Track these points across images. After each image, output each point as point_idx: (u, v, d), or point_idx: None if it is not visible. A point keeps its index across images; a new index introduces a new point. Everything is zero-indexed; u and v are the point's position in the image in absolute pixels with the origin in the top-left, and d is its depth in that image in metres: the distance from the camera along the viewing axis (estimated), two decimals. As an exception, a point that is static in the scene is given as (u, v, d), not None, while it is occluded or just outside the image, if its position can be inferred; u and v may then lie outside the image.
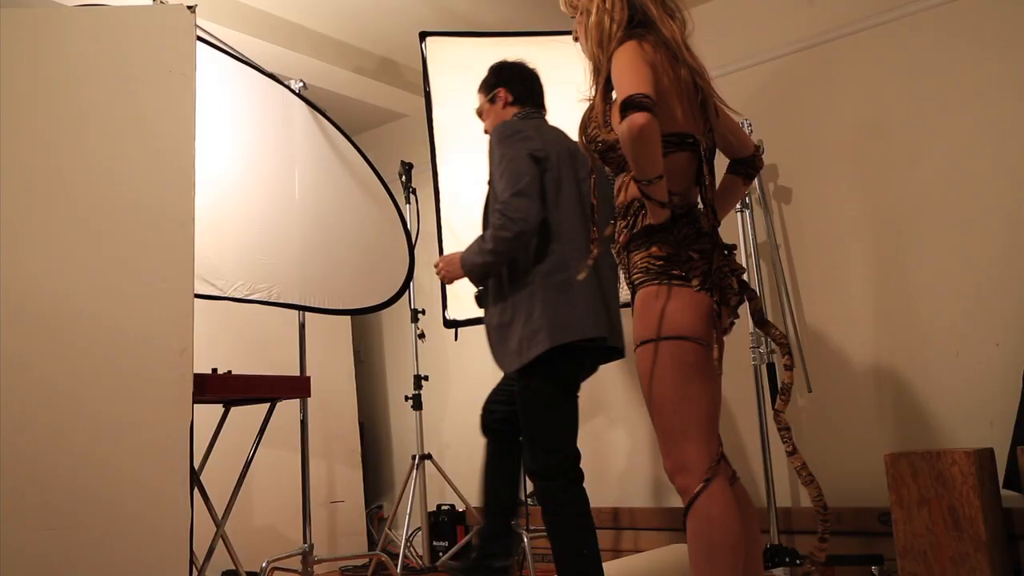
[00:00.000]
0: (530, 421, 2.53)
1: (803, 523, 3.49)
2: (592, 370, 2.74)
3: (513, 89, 2.75)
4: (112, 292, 2.46)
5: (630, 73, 1.79)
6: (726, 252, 1.96)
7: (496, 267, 2.52)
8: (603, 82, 1.94)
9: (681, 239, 1.88)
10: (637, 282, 1.93)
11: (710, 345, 1.87)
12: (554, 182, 2.53)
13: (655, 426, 1.90)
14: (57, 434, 2.35)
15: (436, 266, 2.74)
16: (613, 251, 2.07)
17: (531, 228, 2.42)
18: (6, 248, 2.41)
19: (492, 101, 2.78)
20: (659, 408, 1.87)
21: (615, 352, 2.67)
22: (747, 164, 2.18)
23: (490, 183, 2.63)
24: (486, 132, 2.82)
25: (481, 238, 2.52)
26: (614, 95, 1.87)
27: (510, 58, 2.84)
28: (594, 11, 1.97)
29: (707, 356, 1.86)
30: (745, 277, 2.03)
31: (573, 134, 3.72)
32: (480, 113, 2.84)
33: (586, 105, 2.05)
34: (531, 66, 2.82)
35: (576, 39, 2.15)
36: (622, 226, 1.97)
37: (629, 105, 1.71)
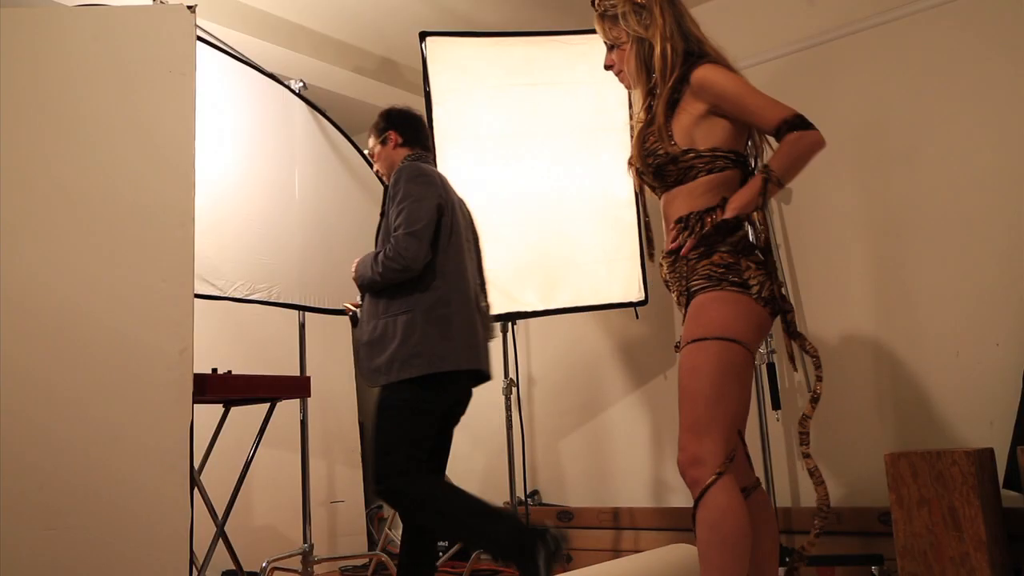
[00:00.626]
0: (382, 432, 2.66)
1: (803, 523, 3.48)
2: (464, 400, 2.90)
3: (403, 132, 2.97)
4: (112, 292, 2.46)
5: (758, 94, 2.01)
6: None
7: (378, 287, 2.71)
8: (665, 103, 2.07)
9: (740, 249, 1.99)
10: (696, 288, 2.00)
11: (754, 353, 1.97)
12: (447, 228, 2.77)
13: (683, 419, 1.94)
14: (57, 434, 2.35)
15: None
16: (667, 260, 2.12)
17: (416, 268, 2.65)
18: (6, 248, 2.41)
19: (383, 143, 2.98)
20: (693, 401, 1.92)
21: (484, 377, 2.89)
22: None
23: (384, 214, 2.81)
24: (378, 172, 3.07)
25: (375, 258, 2.71)
26: (684, 114, 2.05)
27: (397, 104, 3.10)
28: (657, 42, 2.11)
29: (750, 362, 1.96)
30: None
31: (571, 129, 3.77)
32: (372, 154, 3.06)
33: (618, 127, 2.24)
34: (416, 112, 3.08)
35: (609, 67, 2.28)
36: (685, 236, 2.05)
37: (807, 122, 1.96)
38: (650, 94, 2.16)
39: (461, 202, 2.96)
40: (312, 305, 3.63)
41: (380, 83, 4.78)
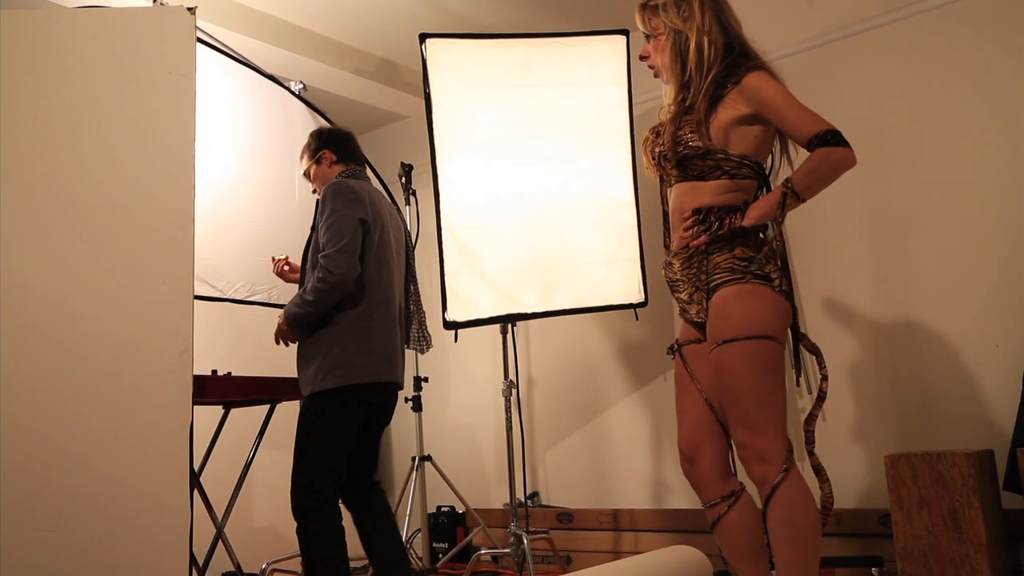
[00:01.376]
0: (303, 440, 2.74)
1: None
2: (386, 411, 2.94)
3: (336, 150, 3.03)
4: (111, 293, 2.45)
5: (800, 106, 2.03)
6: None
7: (315, 317, 2.73)
8: (707, 97, 2.07)
9: (759, 244, 2.03)
10: (718, 282, 2.03)
11: (784, 345, 2.00)
12: (372, 243, 2.81)
13: (733, 419, 1.98)
14: (57, 435, 2.34)
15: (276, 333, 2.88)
16: (680, 258, 2.14)
17: (349, 282, 2.70)
18: (4, 250, 2.41)
19: (318, 162, 3.03)
20: (743, 402, 1.95)
21: (398, 387, 2.94)
22: None
23: (314, 229, 2.84)
24: (315, 192, 3.07)
25: (302, 292, 2.75)
26: (728, 115, 2.07)
27: (325, 126, 3.18)
28: (694, 35, 2.13)
29: (782, 355, 1.99)
30: None
31: (571, 130, 3.77)
32: (308, 174, 3.08)
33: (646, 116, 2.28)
34: (346, 129, 3.15)
35: (644, 57, 2.29)
36: (701, 230, 2.06)
37: (840, 138, 1.98)
38: (684, 88, 2.17)
39: (393, 214, 3.04)
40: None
41: (380, 84, 4.79)
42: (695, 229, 2.07)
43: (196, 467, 2.77)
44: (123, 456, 2.36)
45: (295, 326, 2.75)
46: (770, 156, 2.18)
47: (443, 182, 3.62)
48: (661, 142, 2.18)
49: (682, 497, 3.87)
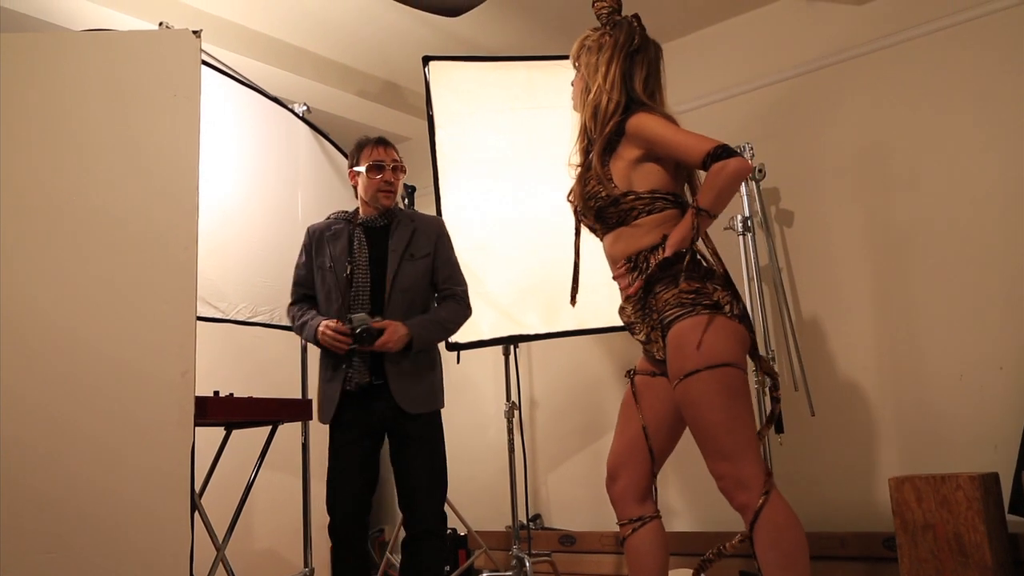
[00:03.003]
0: (437, 456, 2.89)
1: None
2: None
3: None
4: (114, 314, 2.46)
5: (684, 133, 2.07)
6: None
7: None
8: (600, 149, 2.16)
9: (702, 275, 2.06)
10: (671, 318, 2.04)
11: (746, 370, 2.01)
12: None
13: (706, 451, 1.98)
14: (57, 456, 2.34)
15: (386, 341, 2.75)
16: (631, 302, 2.18)
17: None
18: (5, 270, 2.42)
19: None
20: (712, 433, 1.96)
21: None
22: None
23: (433, 257, 2.91)
24: (388, 198, 2.93)
25: (440, 321, 2.89)
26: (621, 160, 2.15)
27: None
28: (593, 89, 2.21)
29: (745, 380, 2.00)
30: (747, 302, 2.12)
31: (568, 150, 3.76)
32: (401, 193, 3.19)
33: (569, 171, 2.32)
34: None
35: (573, 86, 2.36)
36: (634, 277, 2.13)
37: (730, 151, 1.99)
38: (585, 136, 2.25)
39: None
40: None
41: (383, 107, 4.81)
42: (630, 278, 2.14)
43: (197, 488, 2.75)
44: (124, 476, 2.36)
45: (423, 346, 2.82)
46: (685, 185, 2.23)
47: (446, 203, 3.64)
48: (574, 200, 2.28)
49: (685, 520, 3.84)
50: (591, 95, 2.21)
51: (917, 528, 2.81)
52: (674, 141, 2.07)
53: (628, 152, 2.14)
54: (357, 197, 2.98)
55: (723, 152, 2.00)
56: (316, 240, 2.96)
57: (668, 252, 2.06)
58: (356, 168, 2.93)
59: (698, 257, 2.09)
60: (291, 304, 3.02)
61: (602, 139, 2.16)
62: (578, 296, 2.66)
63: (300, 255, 3.01)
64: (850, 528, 3.40)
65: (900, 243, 3.48)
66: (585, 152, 2.25)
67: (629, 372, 2.27)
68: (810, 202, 3.75)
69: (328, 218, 3.03)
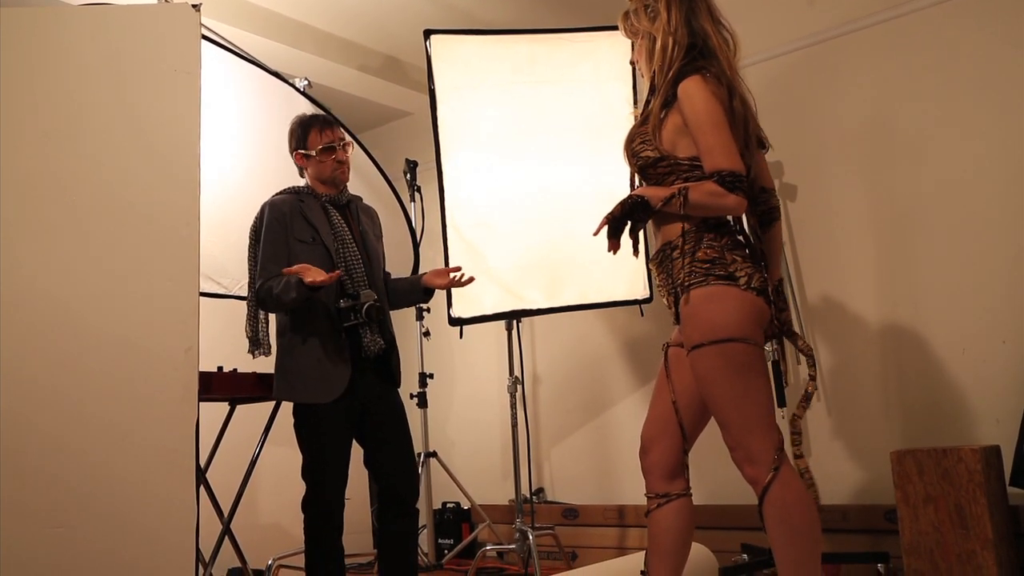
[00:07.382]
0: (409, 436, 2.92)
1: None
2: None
3: None
4: (117, 291, 2.46)
5: (716, 133, 2.01)
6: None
7: None
8: (660, 103, 2.12)
9: (723, 245, 2.03)
10: (684, 286, 2.03)
11: (758, 343, 1.98)
12: None
13: (719, 423, 2.00)
14: (62, 432, 2.35)
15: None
16: (654, 263, 2.19)
17: None
18: (6, 248, 2.41)
19: None
20: (720, 406, 1.98)
21: None
22: (762, 204, 2.24)
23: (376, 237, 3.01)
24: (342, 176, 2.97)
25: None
26: (669, 118, 2.11)
27: None
28: (660, 36, 2.16)
29: (758, 353, 1.98)
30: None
31: (575, 126, 3.75)
32: None
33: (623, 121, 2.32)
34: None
35: (634, 62, 2.35)
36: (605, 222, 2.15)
37: (738, 186, 1.98)
38: (652, 91, 2.20)
39: None
40: (317, 303, 3.61)
41: (385, 81, 4.79)
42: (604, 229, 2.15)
43: (202, 464, 2.77)
44: (129, 453, 2.37)
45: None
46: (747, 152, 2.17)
47: (448, 179, 3.62)
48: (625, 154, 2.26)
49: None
50: (658, 43, 2.16)
51: (919, 501, 2.82)
52: (700, 132, 2.04)
53: (677, 117, 2.10)
54: (303, 176, 2.96)
55: (730, 180, 1.98)
56: (290, 214, 2.80)
57: (637, 192, 2.09)
58: (304, 152, 2.90)
59: (732, 228, 2.08)
60: (265, 281, 2.74)
61: (663, 90, 2.11)
62: (589, 268, 2.67)
63: (271, 230, 2.78)
64: (852, 501, 3.42)
65: (903, 216, 3.47)
66: (647, 104, 2.21)
67: (665, 345, 2.25)
68: (813, 176, 3.73)
69: (283, 194, 2.90)
